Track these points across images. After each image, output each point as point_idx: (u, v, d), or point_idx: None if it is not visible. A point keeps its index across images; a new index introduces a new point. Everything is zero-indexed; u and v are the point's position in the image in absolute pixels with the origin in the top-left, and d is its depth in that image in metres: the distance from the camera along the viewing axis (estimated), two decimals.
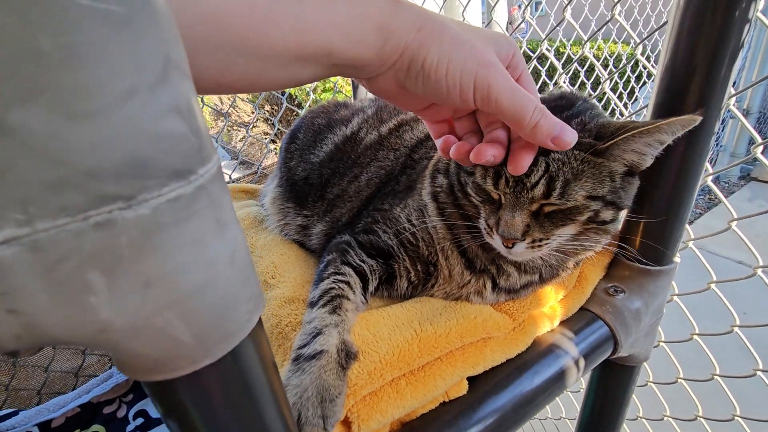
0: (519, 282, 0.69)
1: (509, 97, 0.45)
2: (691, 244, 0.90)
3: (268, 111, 5.01)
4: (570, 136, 0.48)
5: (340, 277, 0.66)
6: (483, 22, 2.45)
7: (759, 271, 0.77)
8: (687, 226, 0.77)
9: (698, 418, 1.05)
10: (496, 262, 0.68)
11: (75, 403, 1.09)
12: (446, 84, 0.45)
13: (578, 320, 0.74)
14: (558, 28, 1.13)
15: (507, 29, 2.19)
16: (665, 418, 1.14)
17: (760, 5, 0.66)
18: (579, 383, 1.42)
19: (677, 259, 0.75)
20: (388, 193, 0.78)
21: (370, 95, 1.22)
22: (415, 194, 0.73)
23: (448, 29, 0.45)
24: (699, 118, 0.51)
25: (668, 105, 0.64)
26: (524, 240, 0.58)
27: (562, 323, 0.74)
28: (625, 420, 1.00)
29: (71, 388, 1.34)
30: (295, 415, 0.49)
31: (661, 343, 1.05)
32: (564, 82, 1.25)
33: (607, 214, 0.60)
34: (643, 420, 1.22)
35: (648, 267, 0.74)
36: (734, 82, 0.65)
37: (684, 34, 0.59)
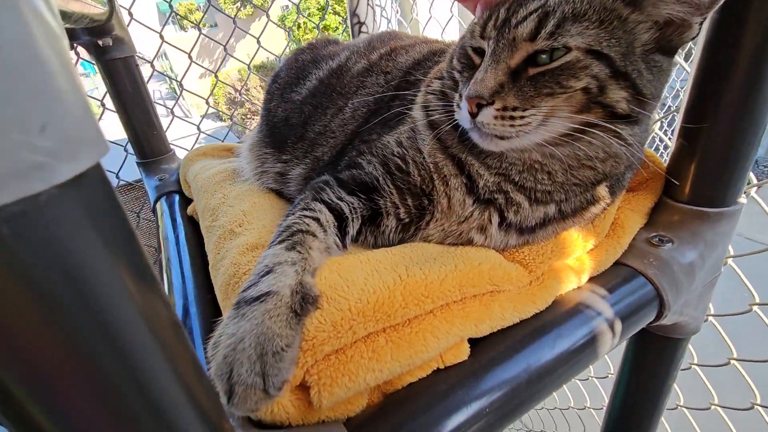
0: (532, 216, 0.54)
1: None
2: (753, 192, 0.72)
3: None
4: None
5: (308, 213, 0.52)
6: None
7: None
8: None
9: (755, 406, 0.88)
10: (502, 188, 0.54)
11: None
12: None
13: (613, 276, 0.59)
14: None
15: None
16: (712, 408, 0.97)
17: None
18: (608, 366, 1.25)
19: (743, 199, 0.59)
20: (377, 122, 0.64)
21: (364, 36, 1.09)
22: (407, 118, 0.60)
23: None
24: None
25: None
26: (492, 104, 0.45)
27: (592, 280, 0.59)
28: (664, 409, 0.84)
29: None
30: (224, 375, 0.36)
31: (710, 318, 0.88)
32: None
33: (616, 95, 0.44)
34: (684, 410, 1.05)
35: (705, 209, 0.58)
36: None
37: None
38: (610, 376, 1.25)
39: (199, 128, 1.48)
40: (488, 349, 0.50)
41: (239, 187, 0.82)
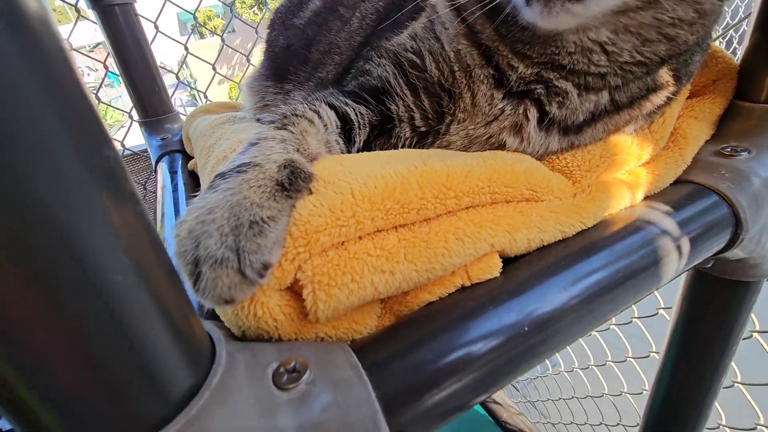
0: (581, 109, 0.44)
1: None
2: None
3: None
4: None
5: (307, 106, 0.44)
6: None
7: None
8: None
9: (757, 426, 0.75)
10: (543, 77, 0.44)
11: None
12: None
13: (675, 193, 0.49)
14: None
15: None
16: (720, 427, 0.84)
17: None
18: (648, 343, 1.13)
19: None
20: (387, 27, 0.56)
21: None
22: (424, 14, 0.51)
23: None
24: None
25: None
26: None
27: (649, 198, 0.49)
28: (722, 383, 0.72)
29: None
30: (189, 252, 0.28)
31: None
32: None
33: None
34: (740, 386, 0.92)
35: None
36: None
37: None
38: (652, 355, 1.13)
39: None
40: (525, 265, 0.41)
41: (239, 124, 0.75)
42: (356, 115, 0.48)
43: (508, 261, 0.41)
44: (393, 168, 0.37)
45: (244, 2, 11.38)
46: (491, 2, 0.43)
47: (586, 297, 0.39)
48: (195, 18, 1.50)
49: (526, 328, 0.36)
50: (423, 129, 0.49)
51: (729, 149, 0.49)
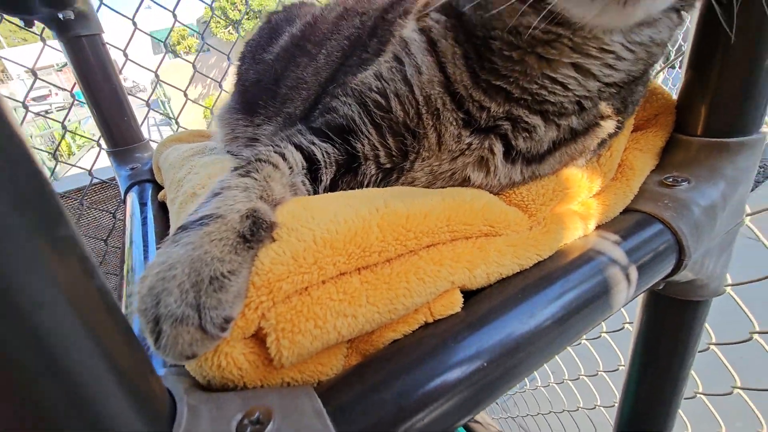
0: (545, 139, 0.47)
1: None
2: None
3: None
4: None
5: (272, 149, 0.45)
6: None
7: None
8: None
9: None
10: (512, 114, 0.46)
11: None
12: None
13: (624, 222, 0.52)
14: None
15: None
16: (735, 391, 0.88)
17: None
18: (617, 358, 1.16)
19: (766, 128, 0.53)
20: (353, 63, 0.58)
21: None
22: (390, 47, 0.53)
23: None
24: None
25: None
26: None
27: (601, 227, 0.52)
28: (685, 389, 0.76)
29: None
30: (150, 310, 0.28)
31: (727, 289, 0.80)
32: None
33: None
34: (703, 398, 0.96)
35: (723, 140, 0.52)
36: None
37: None
38: (621, 368, 1.16)
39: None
40: (485, 299, 0.42)
41: (208, 158, 0.76)
42: (323, 154, 0.49)
43: (470, 293, 0.43)
44: (355, 211, 0.38)
45: (219, 22, 11.39)
46: (483, 38, 0.45)
47: (543, 328, 0.41)
48: (166, 46, 1.51)
49: (486, 363, 0.38)
50: (388, 166, 0.51)
51: (671, 179, 0.53)
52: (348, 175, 0.51)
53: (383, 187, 0.52)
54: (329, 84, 0.60)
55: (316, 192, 0.49)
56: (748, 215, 0.71)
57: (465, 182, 0.49)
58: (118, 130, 1.10)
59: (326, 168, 0.49)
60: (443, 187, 0.50)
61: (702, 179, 0.52)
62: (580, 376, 1.38)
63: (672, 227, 0.50)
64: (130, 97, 1.16)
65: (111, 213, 1.35)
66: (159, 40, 1.45)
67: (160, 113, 1.75)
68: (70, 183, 1.36)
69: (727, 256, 0.59)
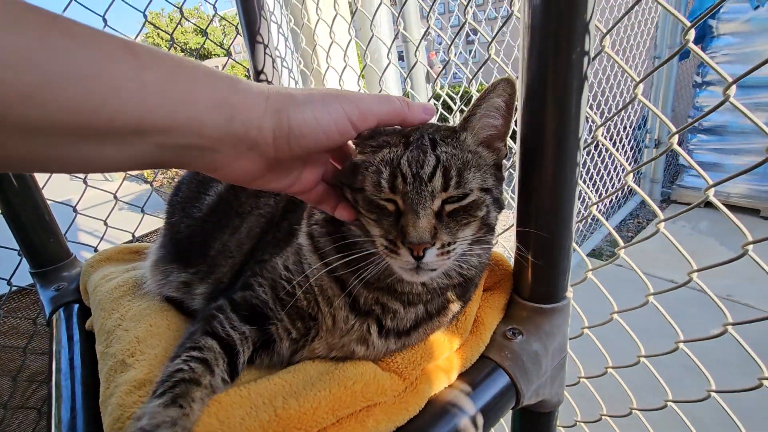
0: (407, 319, 0.63)
1: (378, 101, 0.52)
2: (590, 274, 0.89)
3: None
4: (432, 107, 0.57)
5: (195, 354, 0.56)
6: (403, 68, 2.54)
7: (695, 276, 0.73)
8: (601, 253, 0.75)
9: None
10: (380, 300, 0.62)
11: None
12: (322, 129, 0.47)
13: (477, 371, 0.68)
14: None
15: (427, 73, 2.29)
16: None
17: (606, 41, 0.70)
18: None
19: (569, 294, 0.73)
20: (269, 242, 0.71)
21: None
22: (294, 239, 0.67)
23: (294, 92, 0.47)
24: (514, 80, 0.56)
25: (531, 139, 0.63)
26: (434, 245, 0.53)
27: (461, 376, 0.68)
28: None
29: None
30: None
31: (610, 370, 1.01)
32: None
33: (493, 214, 0.60)
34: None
35: (541, 306, 0.71)
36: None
37: (534, 73, 0.59)
38: None
39: (115, 196, 1.45)
40: None
41: (138, 304, 0.83)
42: (241, 341, 0.60)
43: None
44: (258, 418, 0.50)
45: None
46: (349, 257, 0.60)
47: None
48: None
49: None
50: (297, 338, 0.64)
51: (511, 332, 0.71)
52: (264, 349, 0.63)
53: (292, 351, 0.64)
54: (250, 256, 0.72)
55: (233, 373, 0.59)
56: (614, 313, 0.92)
57: (352, 354, 0.63)
58: (45, 249, 1.12)
59: (244, 352, 0.60)
60: (338, 357, 0.64)
61: (530, 333, 0.71)
62: None
63: (510, 374, 0.67)
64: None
65: (32, 320, 1.32)
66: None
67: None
68: None
69: (561, 380, 0.78)
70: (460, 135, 0.59)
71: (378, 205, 0.56)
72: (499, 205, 0.61)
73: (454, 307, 0.67)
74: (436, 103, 1.74)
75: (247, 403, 0.53)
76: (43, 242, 1.12)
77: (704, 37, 3.72)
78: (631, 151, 4.24)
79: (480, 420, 0.63)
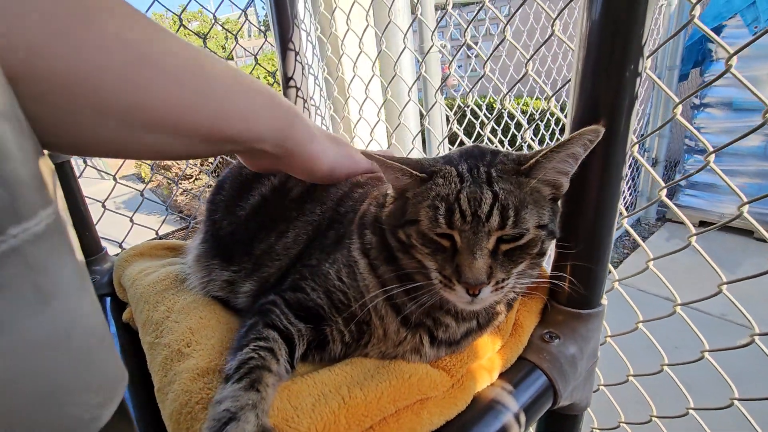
0: (459, 332, 0.66)
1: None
2: (617, 284, 0.93)
3: (212, 163, 4.88)
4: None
5: (262, 344, 0.59)
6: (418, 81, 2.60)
7: (678, 309, 0.80)
8: (612, 267, 0.80)
9: None
10: (432, 314, 0.65)
11: None
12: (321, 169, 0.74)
13: (517, 371, 0.72)
14: (487, 84, 1.21)
15: (442, 86, 2.35)
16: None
17: (648, 63, 0.75)
18: None
19: (604, 301, 0.77)
20: (316, 247, 0.74)
21: None
22: (344, 249, 0.70)
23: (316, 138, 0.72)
24: (602, 129, 0.55)
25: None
26: (489, 283, 0.55)
27: (502, 375, 0.71)
28: None
29: None
30: None
31: (601, 387, 1.05)
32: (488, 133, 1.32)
33: (547, 245, 0.61)
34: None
35: (578, 311, 0.75)
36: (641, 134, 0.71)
37: (587, 90, 0.64)
38: None
39: (142, 194, 1.47)
40: None
41: (183, 297, 0.85)
42: (298, 336, 0.63)
43: None
44: (328, 405, 0.53)
45: None
46: (399, 263, 0.63)
47: None
48: None
49: None
50: (349, 342, 0.66)
51: (548, 336, 0.75)
52: (318, 349, 0.66)
53: (344, 353, 0.67)
54: (298, 259, 0.75)
55: (292, 365, 0.62)
56: (608, 336, 0.95)
57: (404, 359, 0.66)
58: (79, 242, 1.13)
59: (300, 346, 0.63)
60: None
61: (567, 337, 0.74)
62: None
63: (549, 375, 0.71)
64: None
65: None
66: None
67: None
68: None
69: (591, 383, 0.82)
70: (521, 178, 0.58)
71: (432, 240, 0.58)
72: (553, 235, 0.62)
73: (502, 317, 0.71)
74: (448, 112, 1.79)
75: (315, 391, 0.56)
76: (78, 234, 1.13)
77: (704, 60, 3.86)
78: (629, 168, 4.33)
79: (523, 418, 0.66)
